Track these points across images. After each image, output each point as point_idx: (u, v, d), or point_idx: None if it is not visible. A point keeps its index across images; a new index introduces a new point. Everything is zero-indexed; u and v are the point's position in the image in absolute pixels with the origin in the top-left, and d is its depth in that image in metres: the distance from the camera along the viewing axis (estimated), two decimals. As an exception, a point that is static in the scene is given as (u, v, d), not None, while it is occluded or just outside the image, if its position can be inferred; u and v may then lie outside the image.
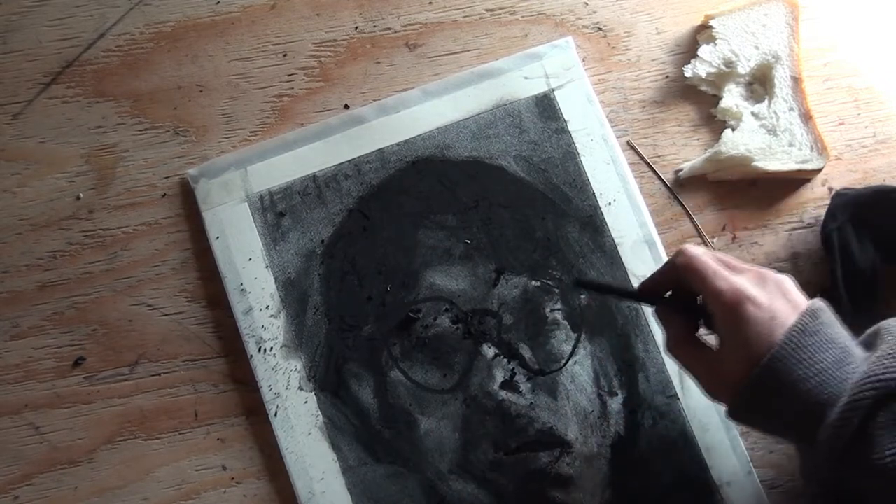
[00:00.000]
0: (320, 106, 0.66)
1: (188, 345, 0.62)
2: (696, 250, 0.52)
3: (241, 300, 0.62)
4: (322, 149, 0.65)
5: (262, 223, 0.63)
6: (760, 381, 0.47)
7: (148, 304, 0.63)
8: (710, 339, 0.54)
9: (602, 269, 0.63)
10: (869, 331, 0.52)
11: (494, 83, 0.66)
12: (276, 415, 0.61)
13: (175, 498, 0.60)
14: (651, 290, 0.56)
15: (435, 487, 0.60)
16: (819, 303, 0.50)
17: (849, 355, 0.47)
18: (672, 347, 0.55)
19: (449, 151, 0.65)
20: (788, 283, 0.51)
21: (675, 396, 0.61)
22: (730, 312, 0.49)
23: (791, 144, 0.65)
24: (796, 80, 0.66)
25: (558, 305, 0.63)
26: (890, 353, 0.46)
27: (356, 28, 0.67)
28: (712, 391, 0.52)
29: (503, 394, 0.61)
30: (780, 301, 0.49)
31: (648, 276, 0.56)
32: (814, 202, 0.66)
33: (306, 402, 0.61)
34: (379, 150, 0.65)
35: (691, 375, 0.54)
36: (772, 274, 0.51)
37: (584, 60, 0.67)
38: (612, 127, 0.66)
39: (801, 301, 0.50)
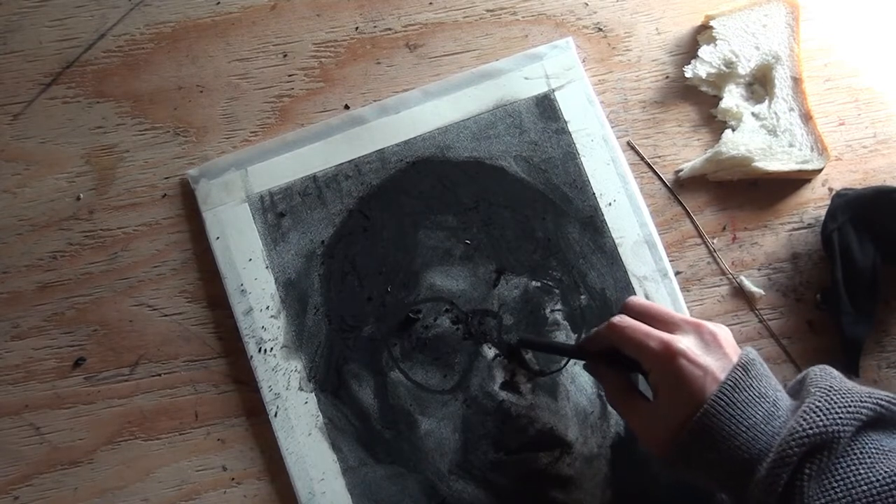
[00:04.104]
0: (320, 106, 0.66)
1: (188, 345, 0.62)
2: (625, 321, 0.53)
3: (241, 301, 0.62)
4: (322, 149, 0.65)
5: (263, 224, 0.63)
6: (693, 436, 0.48)
7: (148, 304, 0.63)
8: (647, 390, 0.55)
9: (602, 270, 0.63)
10: (798, 376, 0.53)
11: (495, 84, 0.66)
12: (276, 415, 0.61)
13: (175, 498, 0.60)
14: (589, 348, 0.57)
15: (435, 488, 0.60)
16: (751, 354, 0.51)
17: (777, 409, 0.49)
18: (609, 399, 0.57)
19: (449, 152, 0.65)
20: (724, 333, 0.52)
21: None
22: (663, 368, 0.50)
23: (791, 145, 0.65)
24: (796, 81, 0.66)
25: (558, 306, 0.63)
26: (813, 408, 0.47)
27: (356, 28, 0.67)
28: (647, 443, 0.52)
29: (503, 394, 0.61)
30: (713, 354, 0.50)
31: (586, 335, 0.57)
32: (814, 203, 0.66)
33: (306, 402, 0.61)
34: (379, 150, 0.65)
35: (628, 426, 0.55)
36: (707, 325, 0.52)
37: (584, 61, 0.67)
38: (612, 127, 0.66)
39: (735, 352, 0.51)
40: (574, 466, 0.60)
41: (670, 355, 0.50)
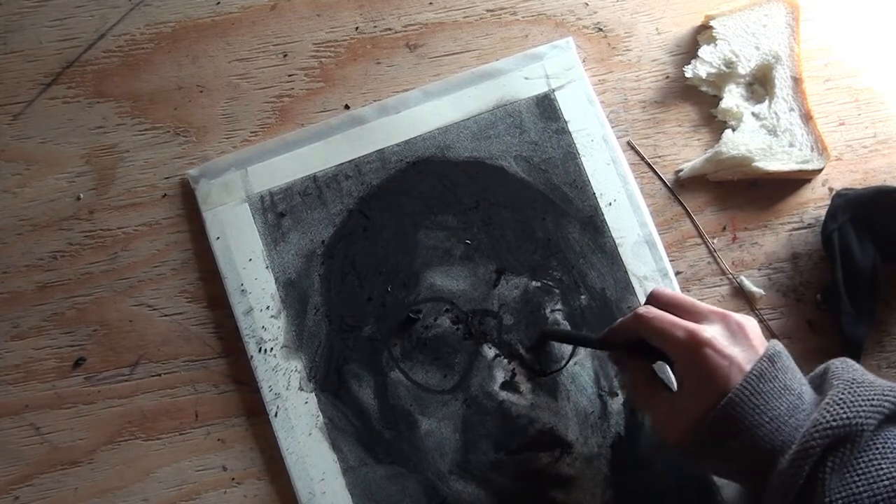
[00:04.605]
0: (321, 106, 0.66)
1: (188, 345, 0.62)
2: (651, 311, 0.53)
3: (241, 301, 0.62)
4: (322, 149, 0.65)
5: (263, 224, 0.63)
6: (716, 424, 0.48)
7: (148, 304, 0.63)
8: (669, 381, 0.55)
9: (602, 270, 0.63)
10: (818, 370, 0.53)
11: (495, 83, 0.66)
12: (276, 415, 0.61)
13: (175, 498, 0.60)
14: (614, 339, 0.57)
15: (435, 488, 0.60)
16: (777, 346, 0.51)
17: (802, 401, 0.49)
18: (631, 389, 0.57)
19: (449, 152, 0.65)
20: (750, 324, 0.52)
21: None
22: (689, 357, 0.50)
23: (791, 145, 0.65)
24: (797, 81, 0.66)
25: (559, 306, 0.63)
26: (836, 400, 0.47)
27: (356, 28, 0.67)
28: (667, 432, 0.52)
29: (504, 394, 0.61)
30: (740, 344, 0.50)
31: (611, 326, 0.57)
32: (814, 202, 0.66)
33: (307, 402, 0.61)
34: (379, 150, 0.65)
35: (648, 416, 0.55)
36: (734, 316, 0.52)
37: (584, 61, 0.67)
38: (612, 127, 0.66)
39: (762, 344, 0.51)
40: (574, 466, 0.60)
41: (696, 345, 0.50)
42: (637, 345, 0.54)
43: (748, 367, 0.49)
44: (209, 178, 0.64)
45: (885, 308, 0.63)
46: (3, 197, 0.64)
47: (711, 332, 0.50)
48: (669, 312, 0.53)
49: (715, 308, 0.53)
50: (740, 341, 0.50)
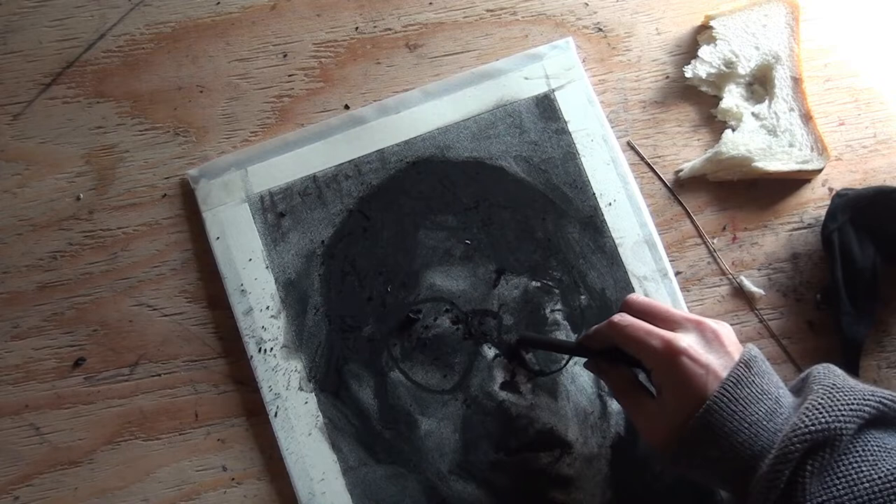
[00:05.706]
0: (320, 106, 0.66)
1: (188, 345, 0.62)
2: (626, 319, 0.53)
3: (241, 301, 0.62)
4: (322, 149, 0.65)
5: (263, 224, 0.63)
6: (695, 432, 0.48)
7: (148, 304, 0.63)
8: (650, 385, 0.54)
9: (602, 270, 0.63)
10: (801, 375, 0.53)
11: (495, 84, 0.66)
12: (276, 415, 0.61)
13: (175, 498, 0.60)
14: (590, 346, 0.56)
15: (435, 488, 0.60)
16: (753, 351, 0.51)
17: (780, 406, 0.49)
18: (614, 396, 0.57)
19: (449, 152, 0.65)
20: (725, 331, 0.52)
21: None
22: (665, 367, 0.50)
23: (791, 145, 0.65)
24: (796, 81, 0.66)
25: (558, 306, 0.63)
26: (816, 405, 0.47)
27: (356, 28, 0.67)
28: (650, 440, 0.52)
29: (503, 394, 0.61)
30: (715, 351, 0.50)
31: (586, 333, 0.57)
32: (814, 203, 0.66)
33: (307, 402, 0.61)
34: (379, 150, 0.65)
35: (632, 421, 0.55)
36: (709, 323, 0.52)
37: (584, 61, 0.67)
38: (612, 127, 0.66)
39: (737, 349, 0.51)
40: (574, 466, 0.60)
41: (672, 354, 0.50)
42: (613, 352, 0.54)
43: (725, 374, 0.49)
44: (209, 178, 0.64)
45: (885, 308, 0.63)
46: (3, 197, 0.64)
47: (687, 340, 0.50)
48: (644, 320, 0.53)
49: (689, 315, 0.53)
50: (716, 348, 0.50)
